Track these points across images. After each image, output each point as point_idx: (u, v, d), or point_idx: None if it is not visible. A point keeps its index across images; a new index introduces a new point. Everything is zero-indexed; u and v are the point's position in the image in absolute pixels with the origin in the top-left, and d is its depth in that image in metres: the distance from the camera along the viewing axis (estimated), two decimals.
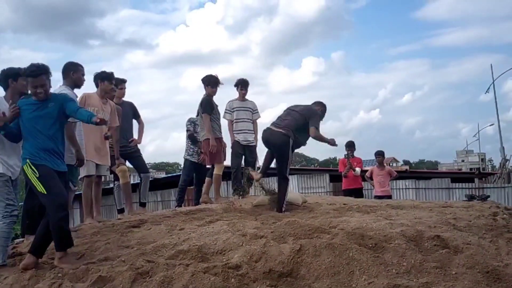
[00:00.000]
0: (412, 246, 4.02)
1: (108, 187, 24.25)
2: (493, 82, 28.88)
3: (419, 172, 18.91)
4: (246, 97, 8.02)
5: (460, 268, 3.70)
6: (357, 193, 9.71)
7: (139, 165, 7.24)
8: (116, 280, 3.59)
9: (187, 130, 8.17)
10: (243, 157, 7.81)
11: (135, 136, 7.35)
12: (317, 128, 6.16)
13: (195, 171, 8.18)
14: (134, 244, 4.29)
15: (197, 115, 7.85)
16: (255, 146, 7.94)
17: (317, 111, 6.38)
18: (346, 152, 10.13)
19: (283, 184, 5.93)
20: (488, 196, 7.78)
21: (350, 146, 10.13)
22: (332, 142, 6.31)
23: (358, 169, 10.22)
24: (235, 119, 7.79)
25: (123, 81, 7.36)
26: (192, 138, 8.08)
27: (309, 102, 6.60)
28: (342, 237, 4.06)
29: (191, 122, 8.21)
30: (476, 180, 18.52)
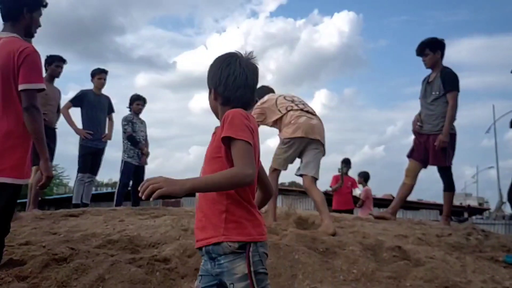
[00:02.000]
0: (367, 255, 3.63)
1: (101, 192, 23.79)
2: (494, 123, 28.57)
3: (408, 202, 18.42)
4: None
5: (417, 281, 3.31)
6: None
7: (95, 165, 6.87)
8: (27, 263, 3.19)
9: (125, 131, 7.21)
10: None
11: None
12: None
13: (133, 175, 7.45)
14: (63, 232, 3.89)
15: None
16: None
17: None
18: (340, 168, 9.52)
19: None
20: (467, 219, 7.36)
21: (347, 163, 9.65)
22: None
23: (358, 190, 9.77)
24: None
25: (103, 71, 7.08)
26: (131, 139, 7.15)
27: None
28: (290, 238, 3.67)
29: (128, 121, 7.22)
30: (465, 214, 18.09)
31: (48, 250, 3.35)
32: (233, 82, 1.94)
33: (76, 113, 6.83)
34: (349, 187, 9.69)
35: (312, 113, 4.63)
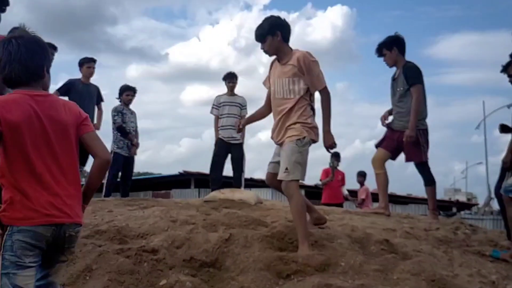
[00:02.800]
0: (355, 248, 3.65)
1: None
2: (484, 119, 28.70)
3: (397, 197, 18.52)
4: (237, 92, 7.50)
5: (404, 274, 3.32)
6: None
7: (84, 156, 6.77)
8: None
9: (114, 122, 7.09)
10: (229, 155, 7.24)
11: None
12: None
13: (123, 166, 7.22)
14: None
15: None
16: (241, 144, 7.36)
17: None
18: (331, 161, 9.45)
19: None
20: (455, 214, 7.40)
21: (337, 156, 9.57)
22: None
23: (345, 190, 9.80)
24: (221, 114, 7.27)
25: (91, 60, 7.03)
26: (121, 129, 7.06)
27: None
28: (279, 230, 3.67)
29: (118, 112, 7.13)
30: (454, 209, 18.24)
31: None
32: (8, 58, 1.99)
33: None
34: (339, 181, 9.69)
35: None
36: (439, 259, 3.77)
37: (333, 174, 9.39)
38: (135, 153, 7.27)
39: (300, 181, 3.80)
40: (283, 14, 4.91)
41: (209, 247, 3.37)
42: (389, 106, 5.51)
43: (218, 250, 3.36)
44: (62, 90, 6.74)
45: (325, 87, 3.88)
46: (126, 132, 7.05)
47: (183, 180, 18.85)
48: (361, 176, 10.14)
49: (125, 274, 2.94)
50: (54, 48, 6.07)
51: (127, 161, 7.18)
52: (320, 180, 9.72)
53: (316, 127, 3.86)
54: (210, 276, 3.19)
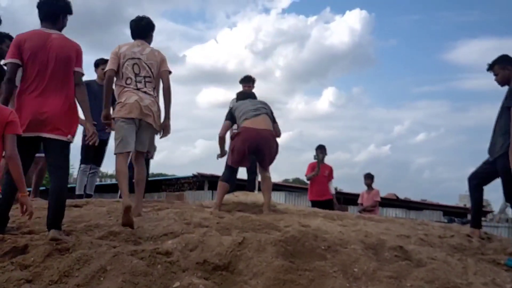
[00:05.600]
0: (369, 254, 3.63)
1: (105, 183, 23.73)
2: None
3: (411, 202, 18.31)
4: None
5: (418, 281, 3.31)
6: (327, 205, 8.03)
7: (99, 156, 6.80)
8: (30, 252, 3.22)
9: None
10: None
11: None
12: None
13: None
14: (66, 222, 3.90)
15: None
16: None
17: None
18: (315, 154, 8.76)
19: None
20: (469, 221, 7.26)
21: (322, 149, 8.88)
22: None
23: (332, 189, 9.30)
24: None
25: (106, 62, 7.10)
26: None
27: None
28: (292, 235, 3.66)
29: None
30: (469, 215, 17.99)
31: (51, 239, 3.37)
32: None
33: None
34: (326, 176, 8.88)
35: None
36: (453, 267, 3.73)
37: (319, 168, 8.70)
38: (152, 157, 7.27)
39: None
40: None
41: (222, 250, 3.37)
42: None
43: (231, 253, 3.36)
44: None
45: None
46: None
47: (197, 182, 18.93)
48: (369, 178, 9.65)
49: (139, 275, 2.95)
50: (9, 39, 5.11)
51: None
52: (306, 175, 9.05)
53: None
54: (223, 280, 3.19)
